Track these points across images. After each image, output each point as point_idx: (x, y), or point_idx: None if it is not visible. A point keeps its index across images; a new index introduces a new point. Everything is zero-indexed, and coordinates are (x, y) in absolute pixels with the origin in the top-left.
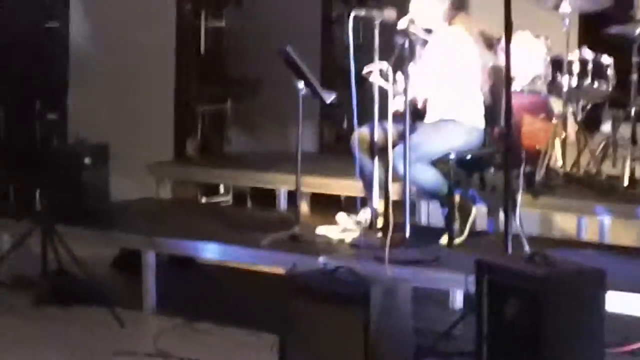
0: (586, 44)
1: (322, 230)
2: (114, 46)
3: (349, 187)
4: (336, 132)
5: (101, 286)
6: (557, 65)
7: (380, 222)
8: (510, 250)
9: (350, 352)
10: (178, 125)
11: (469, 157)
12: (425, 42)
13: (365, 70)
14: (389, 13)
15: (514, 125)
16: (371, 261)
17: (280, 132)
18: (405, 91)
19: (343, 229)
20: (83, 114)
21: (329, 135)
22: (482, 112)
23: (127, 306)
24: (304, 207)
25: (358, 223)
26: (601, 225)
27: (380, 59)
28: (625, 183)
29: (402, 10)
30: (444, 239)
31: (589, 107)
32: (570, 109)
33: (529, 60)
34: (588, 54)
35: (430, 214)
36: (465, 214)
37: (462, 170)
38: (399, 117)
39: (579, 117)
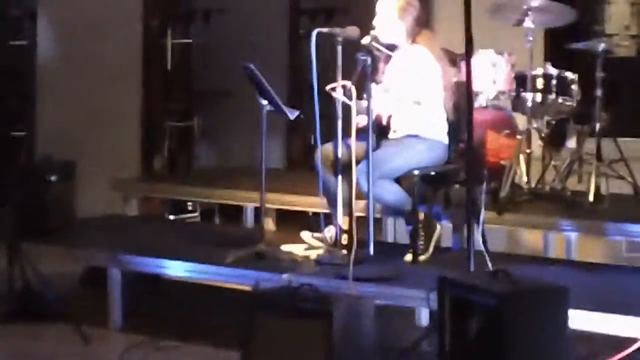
0: (552, 59)
1: (286, 247)
2: (81, 63)
3: (314, 203)
4: (304, 148)
5: (67, 303)
6: (521, 81)
7: (344, 239)
8: (472, 267)
9: None
10: (145, 142)
11: (433, 173)
12: (388, 58)
13: (329, 86)
14: (352, 30)
15: (478, 141)
16: (335, 278)
17: (248, 147)
18: (368, 108)
19: (308, 246)
20: (51, 130)
21: (297, 151)
22: (446, 128)
23: (93, 323)
24: (270, 223)
25: (322, 240)
26: (568, 241)
27: (344, 76)
28: (591, 199)
29: (367, 27)
30: (409, 256)
31: (553, 122)
32: (534, 125)
33: (492, 76)
34: (552, 70)
35: (397, 230)
36: (429, 231)
37: (427, 187)
38: (363, 134)
39: (544, 133)
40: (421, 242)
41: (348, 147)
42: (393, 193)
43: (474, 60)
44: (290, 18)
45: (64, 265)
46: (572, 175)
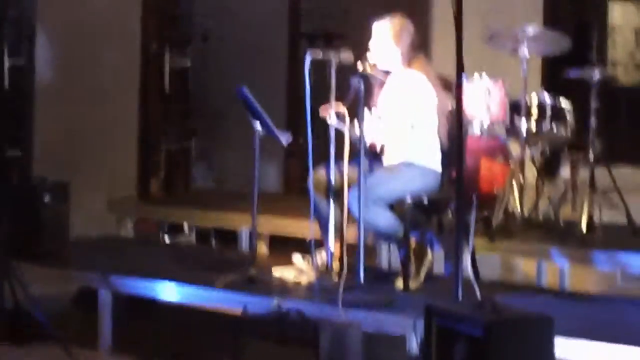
0: (549, 86)
1: (278, 271)
2: (79, 84)
3: (308, 228)
4: (301, 172)
5: (58, 324)
6: (516, 108)
7: (335, 265)
8: (460, 295)
9: None
10: (142, 163)
11: (425, 200)
12: (383, 83)
13: (322, 111)
14: (346, 55)
15: (472, 169)
16: (324, 303)
17: (245, 170)
18: (360, 133)
19: (299, 270)
20: (47, 150)
21: (294, 175)
22: (440, 155)
23: (83, 345)
24: (263, 247)
25: (314, 265)
26: (561, 270)
27: (340, 99)
28: (584, 228)
29: (363, 52)
30: (399, 283)
31: (547, 151)
32: (528, 153)
33: (486, 103)
34: (547, 98)
35: (391, 257)
36: (421, 258)
37: (420, 214)
38: (356, 159)
39: (538, 161)
40: (412, 269)
41: (341, 171)
42: (385, 219)
43: (468, 87)
44: (290, 41)
45: (56, 286)
46: (565, 203)
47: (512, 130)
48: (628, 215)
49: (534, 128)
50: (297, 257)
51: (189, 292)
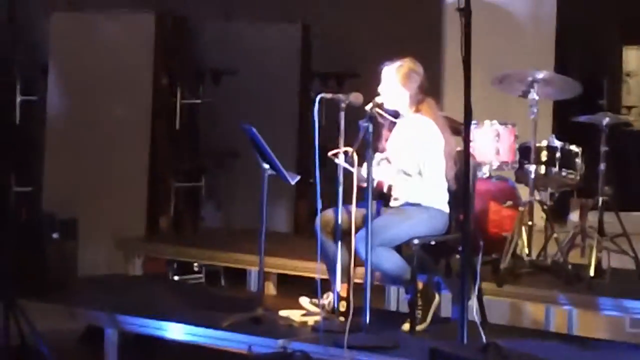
0: (559, 130)
1: (285, 312)
2: (90, 120)
3: (315, 269)
4: (310, 212)
5: None
6: (525, 152)
7: (342, 306)
8: (465, 339)
9: None
10: (151, 201)
11: (433, 242)
12: (392, 125)
13: (330, 152)
14: (355, 97)
15: (480, 212)
16: (330, 345)
17: (255, 209)
18: (368, 175)
19: (305, 312)
20: (57, 187)
21: (303, 215)
22: (447, 197)
23: None
24: (271, 287)
25: (320, 306)
26: (569, 315)
27: (349, 141)
28: (592, 273)
29: (374, 93)
30: (406, 325)
31: (556, 195)
32: (537, 197)
33: (496, 146)
34: (556, 142)
35: (400, 299)
36: (428, 301)
37: (428, 256)
38: (364, 200)
39: (546, 205)
40: (419, 312)
41: (349, 213)
42: (392, 261)
43: (478, 131)
44: (301, 81)
45: (63, 323)
46: (574, 248)
47: (521, 173)
48: (637, 260)
49: (542, 172)
50: (304, 299)
51: (195, 332)
